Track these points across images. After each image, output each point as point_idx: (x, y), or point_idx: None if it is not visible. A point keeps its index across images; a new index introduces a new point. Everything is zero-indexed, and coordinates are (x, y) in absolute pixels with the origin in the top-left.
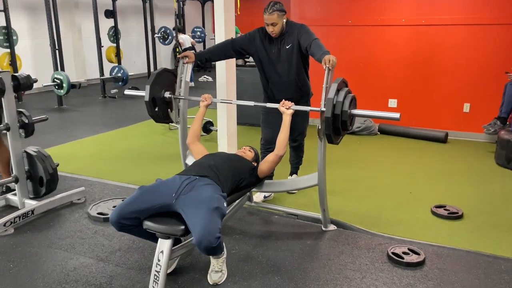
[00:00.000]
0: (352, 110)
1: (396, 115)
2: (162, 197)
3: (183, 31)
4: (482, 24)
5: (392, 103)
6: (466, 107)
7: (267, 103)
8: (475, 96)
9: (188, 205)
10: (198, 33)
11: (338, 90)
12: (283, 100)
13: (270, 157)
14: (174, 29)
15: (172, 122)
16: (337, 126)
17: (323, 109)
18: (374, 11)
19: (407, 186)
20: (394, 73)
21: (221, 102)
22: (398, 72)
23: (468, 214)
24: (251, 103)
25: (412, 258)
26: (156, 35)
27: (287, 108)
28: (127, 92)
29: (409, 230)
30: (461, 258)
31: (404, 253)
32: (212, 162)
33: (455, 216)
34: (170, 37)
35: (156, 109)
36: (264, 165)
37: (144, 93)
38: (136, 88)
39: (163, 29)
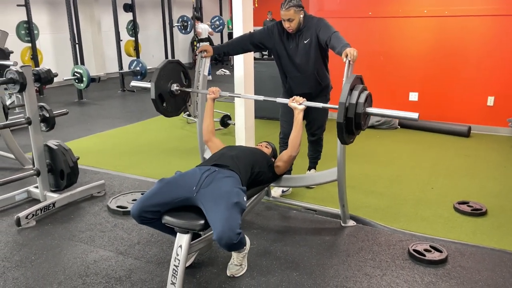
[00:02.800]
0: (367, 109)
1: (415, 115)
2: (183, 190)
3: (201, 19)
4: (507, 15)
5: (413, 96)
6: (490, 100)
7: (277, 98)
8: (500, 89)
9: (208, 199)
10: (217, 22)
11: (351, 90)
12: (294, 96)
13: (285, 156)
14: (192, 18)
15: (185, 113)
16: (351, 128)
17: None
18: (395, 2)
19: (429, 181)
20: (415, 66)
21: (229, 96)
22: (419, 64)
23: (492, 211)
24: (261, 98)
25: (434, 256)
26: (175, 25)
27: (299, 104)
28: (133, 83)
29: (430, 226)
30: (485, 256)
31: (426, 250)
32: (233, 152)
33: (478, 212)
34: (189, 26)
35: (164, 105)
36: (279, 163)
37: (150, 85)
38: None
39: (181, 18)
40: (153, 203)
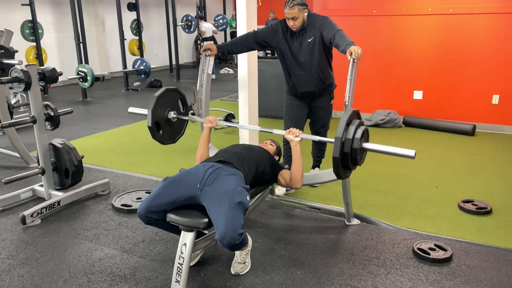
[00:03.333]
0: (363, 144)
1: (411, 152)
2: (187, 189)
3: (204, 18)
4: None
5: (418, 94)
6: (495, 99)
7: (274, 129)
8: (505, 87)
9: (211, 197)
10: (221, 21)
11: (348, 125)
12: (290, 128)
13: (287, 179)
14: (196, 17)
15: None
16: (347, 163)
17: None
18: (399, 0)
19: (433, 180)
20: (419, 64)
21: (226, 126)
22: (423, 63)
23: (497, 209)
24: (257, 128)
25: (439, 254)
26: (179, 24)
27: (295, 136)
28: (130, 110)
29: (435, 225)
30: (490, 254)
31: (431, 249)
32: (237, 150)
33: (483, 211)
34: (193, 25)
35: (160, 132)
36: (282, 180)
37: (147, 113)
38: (158, 81)
39: (185, 18)
40: (158, 203)
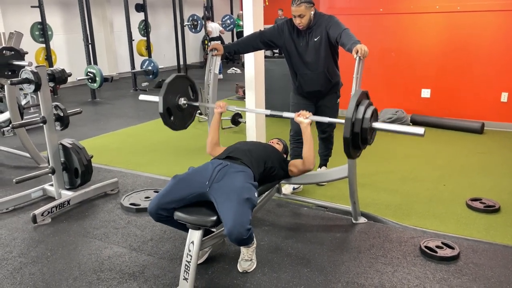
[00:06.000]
0: (373, 124)
1: (420, 130)
2: (196, 186)
3: (211, 18)
4: None
5: (425, 93)
6: (504, 97)
7: (284, 112)
8: None
9: (220, 194)
10: (228, 21)
11: (357, 105)
12: (300, 110)
13: (300, 165)
14: (203, 18)
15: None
16: (357, 143)
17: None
18: None
19: (441, 178)
20: (427, 62)
21: (236, 110)
22: (431, 61)
23: (506, 208)
24: (267, 112)
25: (446, 252)
26: (186, 24)
27: (305, 118)
28: (141, 98)
29: (442, 223)
30: (497, 253)
31: (438, 247)
32: (246, 147)
33: (491, 209)
34: (199, 25)
35: (172, 118)
36: (293, 169)
37: (158, 99)
38: None
39: (191, 17)
40: (169, 200)
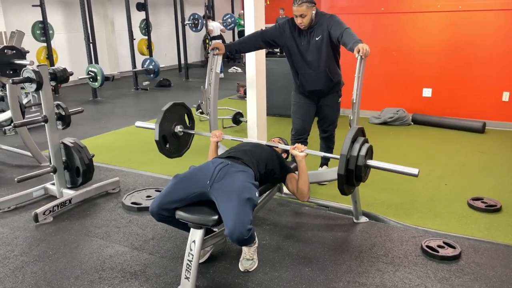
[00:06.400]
0: (367, 161)
1: (414, 171)
2: (197, 185)
3: (212, 17)
4: None
5: (427, 92)
6: (506, 96)
7: (279, 144)
8: None
9: (220, 193)
10: (229, 20)
11: (353, 142)
12: (296, 144)
13: (295, 191)
14: (204, 17)
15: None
16: (351, 180)
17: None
18: None
19: (442, 177)
20: (428, 62)
21: (232, 139)
22: (433, 60)
23: (507, 207)
24: (263, 142)
25: (448, 252)
26: (186, 23)
27: (300, 151)
28: (137, 124)
29: (444, 223)
30: (499, 252)
31: (439, 246)
32: (247, 147)
33: (493, 209)
34: (200, 24)
35: (167, 146)
36: (289, 185)
37: (155, 127)
38: (167, 80)
39: (192, 16)
40: (170, 200)
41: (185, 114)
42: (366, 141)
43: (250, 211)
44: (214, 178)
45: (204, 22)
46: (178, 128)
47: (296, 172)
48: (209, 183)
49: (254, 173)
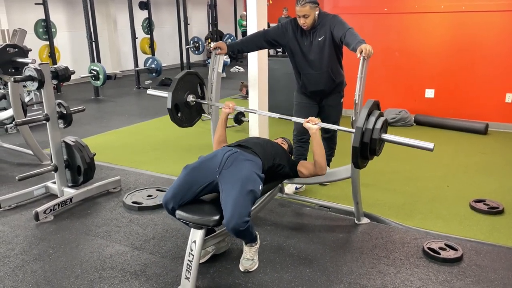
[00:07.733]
0: (382, 135)
1: (430, 145)
2: (207, 175)
3: (215, 35)
4: None
5: (429, 93)
6: (509, 97)
7: (292, 117)
8: None
9: (226, 181)
10: (229, 40)
11: (368, 115)
12: (310, 117)
13: (311, 168)
14: (206, 38)
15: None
16: (365, 153)
17: (357, 125)
18: None
19: (444, 179)
20: (431, 62)
21: (245, 111)
22: (435, 61)
23: (510, 209)
24: (276, 115)
25: (449, 254)
26: (188, 47)
27: (314, 124)
28: (149, 92)
29: (446, 224)
30: (501, 255)
31: (441, 248)
32: (258, 140)
33: (495, 211)
34: (201, 46)
35: (179, 115)
36: (304, 170)
37: (167, 95)
38: (170, 79)
39: (192, 40)
40: (182, 192)
41: (198, 84)
42: (381, 114)
43: (250, 203)
44: (223, 165)
45: (205, 44)
46: (191, 98)
47: None
48: (217, 170)
49: (262, 163)
